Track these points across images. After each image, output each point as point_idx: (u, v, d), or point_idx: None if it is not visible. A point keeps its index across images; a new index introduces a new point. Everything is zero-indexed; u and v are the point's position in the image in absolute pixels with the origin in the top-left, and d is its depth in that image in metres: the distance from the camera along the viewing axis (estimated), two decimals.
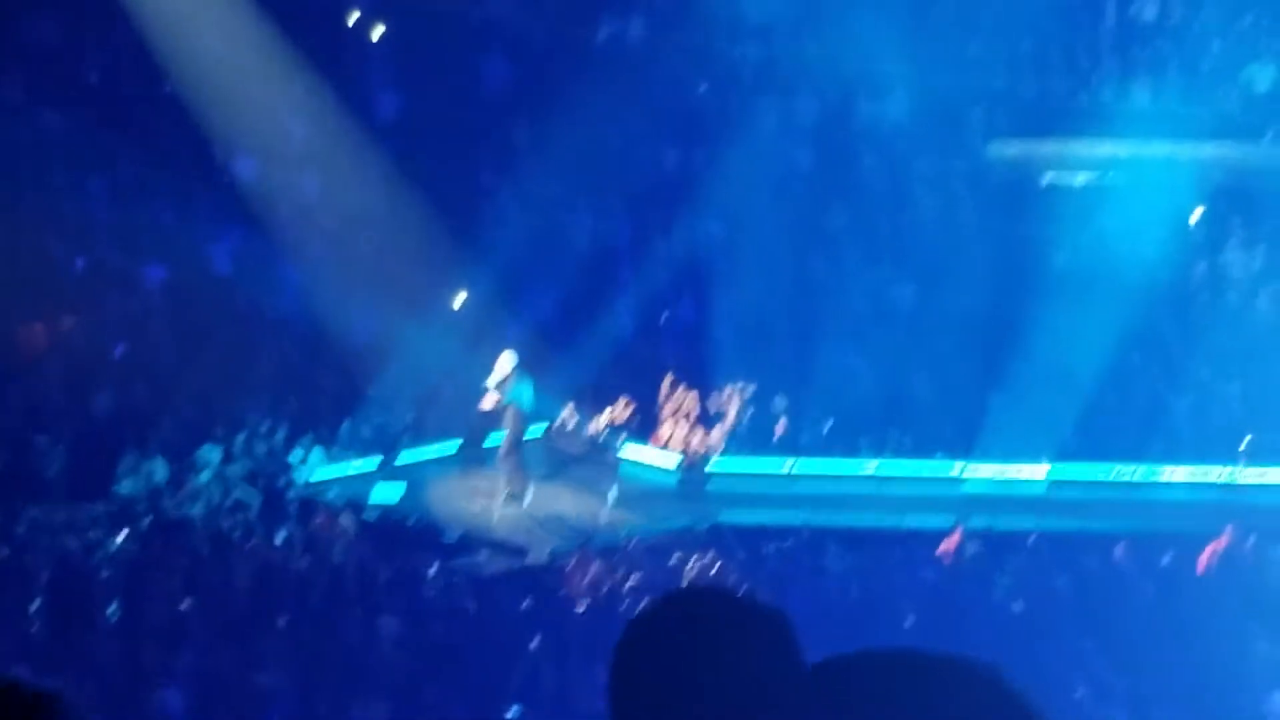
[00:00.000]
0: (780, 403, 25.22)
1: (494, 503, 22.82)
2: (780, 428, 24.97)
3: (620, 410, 25.01)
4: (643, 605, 2.73)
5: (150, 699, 17.23)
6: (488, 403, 22.70)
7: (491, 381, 22.42)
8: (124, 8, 26.81)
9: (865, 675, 1.98)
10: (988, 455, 24.23)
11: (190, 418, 23.38)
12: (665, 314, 26.67)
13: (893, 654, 2.04)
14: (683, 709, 2.56)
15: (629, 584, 20.26)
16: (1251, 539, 21.01)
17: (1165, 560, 20.84)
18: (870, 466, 24.29)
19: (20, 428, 22.84)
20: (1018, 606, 19.93)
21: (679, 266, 26.81)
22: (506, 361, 22.49)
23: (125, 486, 21.91)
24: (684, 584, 19.40)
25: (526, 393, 22.61)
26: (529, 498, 23.05)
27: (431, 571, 20.21)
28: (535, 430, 24.74)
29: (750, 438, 24.94)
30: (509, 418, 22.62)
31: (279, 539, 21.12)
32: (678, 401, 24.73)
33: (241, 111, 27.24)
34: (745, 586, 19.41)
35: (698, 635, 2.61)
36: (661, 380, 25.02)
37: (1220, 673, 18.45)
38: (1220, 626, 19.28)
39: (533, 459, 24.20)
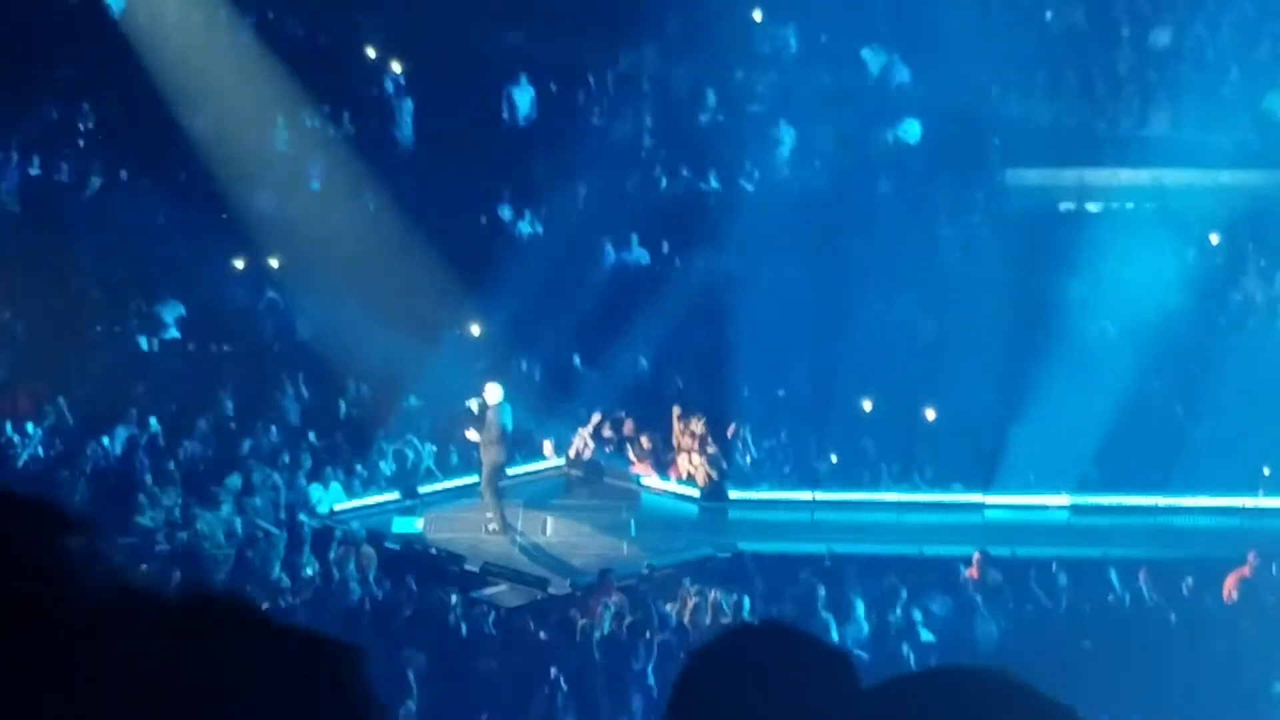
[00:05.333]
0: (798, 434, 25.23)
1: (489, 529, 22.80)
2: (797, 458, 24.98)
3: (634, 436, 25.03)
4: (707, 640, 2.71)
5: None
6: (472, 435, 22.76)
7: (474, 406, 22.54)
8: (139, 47, 27.05)
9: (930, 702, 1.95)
10: (1008, 487, 24.18)
11: (210, 450, 23.42)
12: (682, 344, 26.66)
13: (955, 676, 2.00)
14: None
15: (650, 614, 20.22)
16: (1275, 566, 20.95)
17: (1187, 586, 20.79)
18: (891, 496, 24.24)
19: (42, 460, 22.89)
20: (1038, 633, 19.89)
21: (695, 295, 26.82)
22: (494, 392, 22.57)
23: (145, 518, 21.91)
24: (704, 624, 19.44)
25: (508, 422, 22.74)
26: (549, 527, 23.07)
27: (453, 602, 20.21)
28: (555, 462, 24.78)
29: (769, 468, 24.92)
30: (492, 447, 22.62)
31: (300, 570, 21.12)
32: (694, 431, 24.72)
33: (258, 146, 27.38)
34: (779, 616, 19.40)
35: (762, 671, 2.60)
36: (676, 409, 25.00)
37: (1241, 698, 18.39)
38: (1242, 652, 19.22)
39: (552, 490, 24.22)
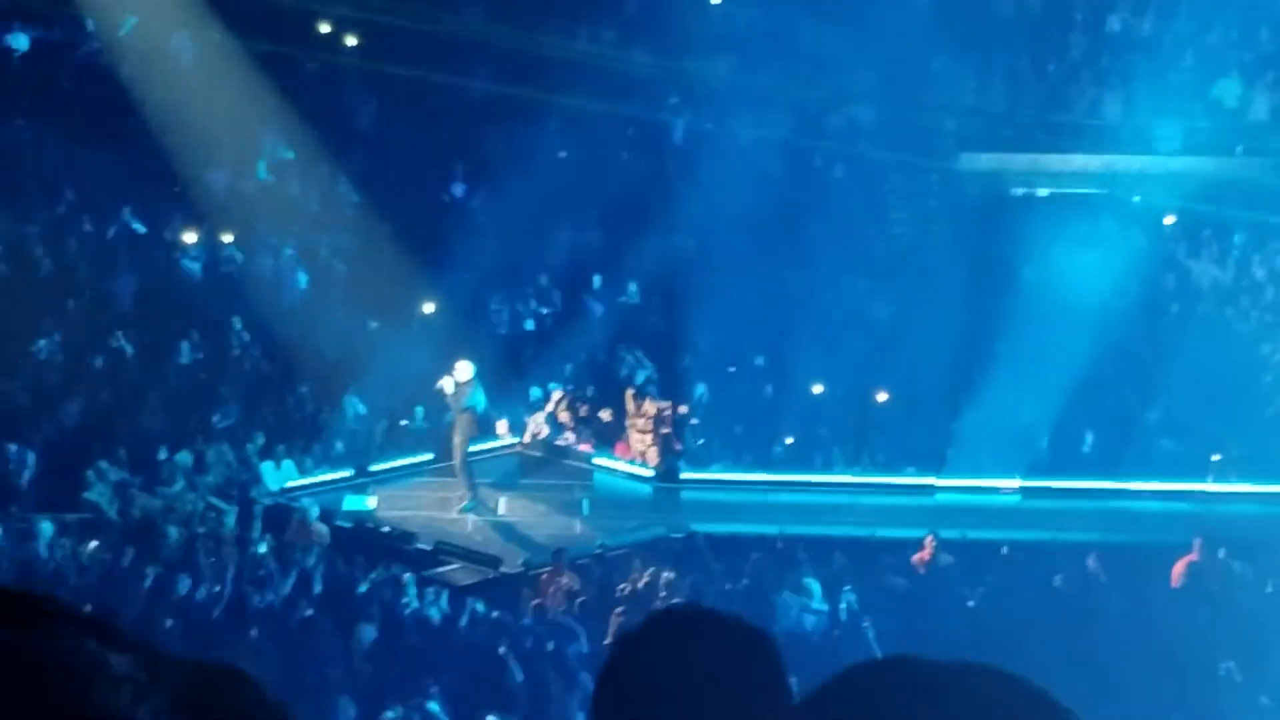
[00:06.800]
0: (750, 415, 25.29)
1: (462, 510, 22.84)
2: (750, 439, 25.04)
3: (589, 417, 25.06)
4: (626, 626, 2.72)
5: None
6: (447, 385, 22.68)
7: (446, 385, 22.49)
8: (93, 25, 26.91)
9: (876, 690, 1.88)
10: (960, 470, 24.28)
11: (162, 426, 23.31)
12: (636, 325, 26.70)
13: (899, 665, 1.93)
14: None
15: (602, 594, 20.25)
16: (1221, 552, 21.12)
17: (1136, 571, 20.94)
18: (843, 478, 24.31)
19: None
20: (989, 616, 19.99)
21: (650, 277, 26.85)
22: (465, 370, 22.53)
23: (95, 494, 21.81)
24: (668, 603, 19.44)
25: (480, 399, 22.72)
26: (503, 507, 23.08)
27: (405, 581, 20.18)
28: (508, 440, 24.78)
29: (721, 449, 24.97)
30: (465, 424, 22.66)
31: (252, 547, 21.06)
32: (647, 412, 24.74)
33: (213, 122, 27.24)
34: (722, 598, 19.46)
35: (684, 658, 2.61)
36: (629, 390, 25.04)
37: (1188, 684, 18.54)
38: (1189, 637, 19.38)
39: (505, 469, 24.22)
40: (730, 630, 2.62)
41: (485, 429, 24.02)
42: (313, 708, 17.29)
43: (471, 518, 22.83)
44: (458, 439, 22.73)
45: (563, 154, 27.74)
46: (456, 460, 22.87)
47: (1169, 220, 27.76)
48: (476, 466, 23.40)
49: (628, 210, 27.40)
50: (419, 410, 24.39)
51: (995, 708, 1.71)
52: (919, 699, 1.71)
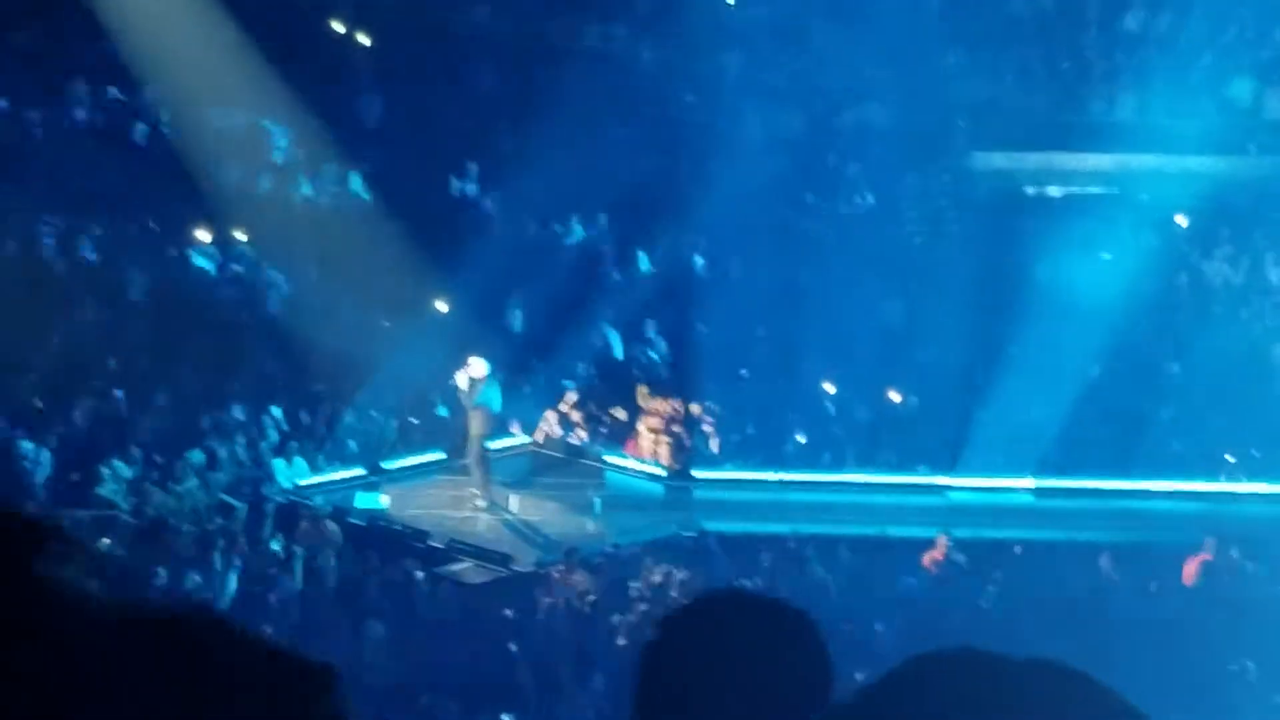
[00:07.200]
0: (763, 414, 25.27)
1: (477, 509, 22.83)
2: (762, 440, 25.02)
3: (602, 416, 25.06)
4: (671, 609, 2.71)
5: None
6: (462, 380, 22.68)
7: (461, 382, 22.48)
8: (102, 15, 26.86)
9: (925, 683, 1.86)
10: (972, 469, 24.26)
11: (174, 423, 23.32)
12: (648, 324, 26.69)
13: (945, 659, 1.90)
14: (711, 713, 2.56)
15: (614, 593, 20.25)
16: (1234, 552, 21.09)
17: (1148, 571, 20.92)
18: (855, 477, 24.29)
19: (3, 432, 22.76)
20: (1001, 616, 19.97)
21: (662, 276, 26.84)
22: (479, 366, 22.51)
23: (108, 491, 21.83)
24: (669, 603, 19.42)
25: (496, 397, 22.69)
26: (515, 506, 23.06)
27: (417, 578, 20.19)
28: (521, 439, 24.76)
29: (733, 449, 24.95)
30: (480, 421, 22.64)
31: (263, 545, 21.07)
32: (659, 411, 24.74)
33: (225, 117, 27.24)
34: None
35: (727, 641, 2.60)
36: (642, 389, 25.03)
37: (1201, 683, 18.51)
38: (1202, 637, 19.36)
39: (518, 468, 24.21)
40: (773, 613, 2.62)
41: (500, 427, 24.00)
42: None
43: (484, 516, 22.81)
44: (472, 435, 22.71)
45: (574, 150, 27.69)
46: (472, 457, 22.84)
47: (1182, 220, 27.69)
48: (491, 466, 23.38)
49: (640, 209, 27.38)
50: (439, 405, 24.39)
51: (1065, 704, 1.70)
52: (989, 692, 1.69)
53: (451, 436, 23.86)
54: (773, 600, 2.68)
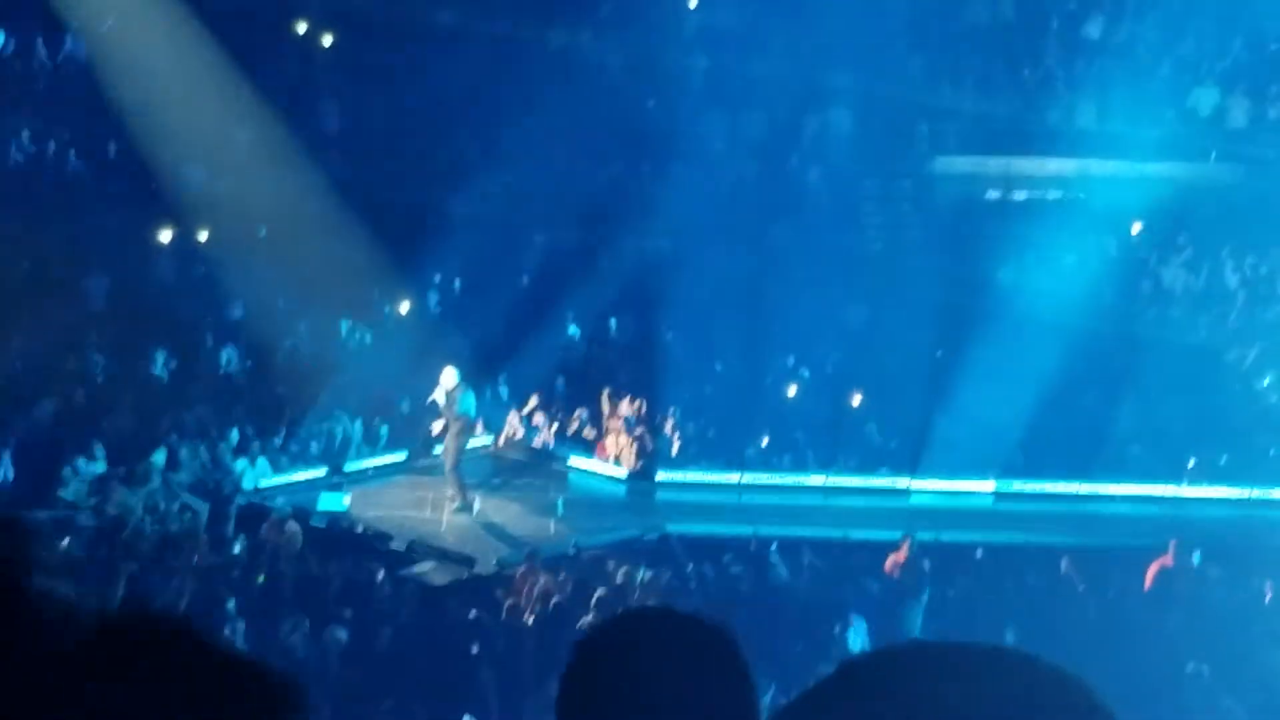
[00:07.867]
0: (725, 417, 25.32)
1: (443, 513, 22.80)
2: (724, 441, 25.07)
3: (565, 417, 25.08)
4: (589, 628, 2.70)
5: None
6: (438, 427, 22.72)
7: (438, 396, 22.38)
8: (67, 19, 26.80)
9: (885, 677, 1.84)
10: (933, 472, 24.34)
11: (136, 424, 23.24)
12: (611, 326, 26.72)
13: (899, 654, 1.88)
14: None
15: (576, 594, 20.23)
16: (1195, 555, 21.19)
17: (1109, 574, 21.00)
18: (817, 480, 24.36)
19: None
20: (962, 618, 20.03)
21: (625, 279, 26.86)
22: (450, 376, 22.44)
23: (70, 492, 21.74)
24: (630, 604, 19.42)
25: (471, 404, 22.65)
26: (477, 507, 23.05)
27: (379, 580, 20.15)
28: (483, 441, 24.75)
29: (696, 451, 24.99)
30: (455, 429, 22.61)
31: (225, 546, 21.01)
32: (622, 413, 24.77)
33: (187, 119, 27.17)
34: (693, 598, 19.49)
35: (644, 658, 2.60)
36: (605, 391, 25.06)
37: (1157, 684, 18.59)
38: (1161, 638, 19.45)
39: (480, 469, 24.19)
40: (690, 629, 2.62)
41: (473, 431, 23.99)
42: None
43: (447, 517, 22.78)
44: (451, 445, 22.64)
45: (537, 153, 27.71)
46: (449, 466, 22.80)
47: (1138, 226, 27.83)
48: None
49: (602, 212, 27.40)
50: (403, 405, 24.37)
51: (1017, 685, 1.72)
52: (940, 679, 1.70)
53: (414, 438, 23.84)
54: (691, 617, 2.66)
